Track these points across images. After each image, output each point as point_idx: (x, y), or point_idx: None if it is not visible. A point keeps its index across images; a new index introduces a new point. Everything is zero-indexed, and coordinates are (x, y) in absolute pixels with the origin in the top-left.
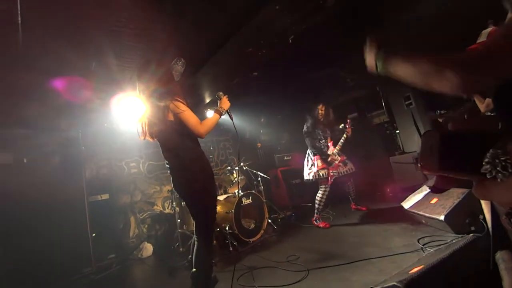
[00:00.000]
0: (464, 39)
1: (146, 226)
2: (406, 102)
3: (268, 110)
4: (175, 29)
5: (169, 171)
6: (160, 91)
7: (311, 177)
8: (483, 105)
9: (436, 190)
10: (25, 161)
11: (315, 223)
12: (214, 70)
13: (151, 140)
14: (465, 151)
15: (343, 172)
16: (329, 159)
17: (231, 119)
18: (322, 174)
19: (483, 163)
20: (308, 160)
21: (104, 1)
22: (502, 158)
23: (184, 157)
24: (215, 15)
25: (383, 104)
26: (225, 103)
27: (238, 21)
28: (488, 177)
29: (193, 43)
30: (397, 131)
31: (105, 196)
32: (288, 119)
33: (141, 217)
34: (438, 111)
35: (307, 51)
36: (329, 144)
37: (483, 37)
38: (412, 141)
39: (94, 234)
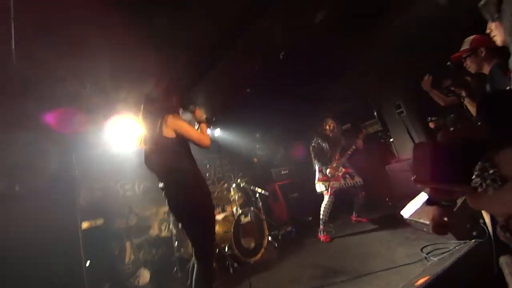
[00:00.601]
0: (450, 48)
1: (143, 251)
2: (398, 111)
3: (263, 124)
4: (169, 49)
5: (164, 192)
6: (157, 106)
7: (318, 189)
8: (475, 108)
9: (430, 202)
10: (17, 188)
11: (319, 234)
12: (208, 88)
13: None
14: (456, 162)
15: (349, 184)
16: (328, 171)
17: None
18: (322, 186)
19: (473, 176)
20: (318, 173)
21: (99, 24)
22: (490, 171)
23: (179, 175)
24: (207, 34)
25: (375, 113)
26: (201, 113)
27: (230, 39)
28: (479, 190)
29: (186, 62)
30: (391, 140)
31: (100, 221)
32: (283, 132)
33: (137, 242)
34: (429, 118)
35: (298, 66)
36: (336, 157)
37: (465, 45)
38: (406, 148)
39: (88, 263)
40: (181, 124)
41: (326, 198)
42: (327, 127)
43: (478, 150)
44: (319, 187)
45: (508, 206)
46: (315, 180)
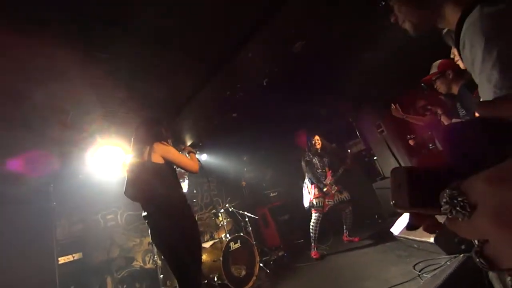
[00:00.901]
0: (419, 72)
1: (125, 286)
2: (378, 130)
3: (250, 147)
4: (153, 77)
5: (147, 221)
6: (146, 133)
7: (307, 204)
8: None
9: (410, 227)
10: None
11: (311, 252)
12: (193, 115)
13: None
14: (431, 186)
15: (338, 199)
16: (325, 189)
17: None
18: (317, 203)
19: (442, 203)
20: (305, 189)
21: (82, 58)
22: (459, 199)
23: (165, 201)
24: (192, 64)
25: (358, 133)
26: (190, 148)
27: (214, 68)
28: (450, 217)
29: (171, 90)
30: (375, 158)
31: (78, 255)
32: (270, 154)
33: (118, 276)
34: (409, 136)
35: (282, 90)
36: (327, 174)
37: (434, 69)
38: (390, 165)
39: None
40: (169, 149)
41: (314, 215)
42: (316, 144)
43: (448, 177)
44: (314, 203)
45: (479, 233)
46: (303, 195)
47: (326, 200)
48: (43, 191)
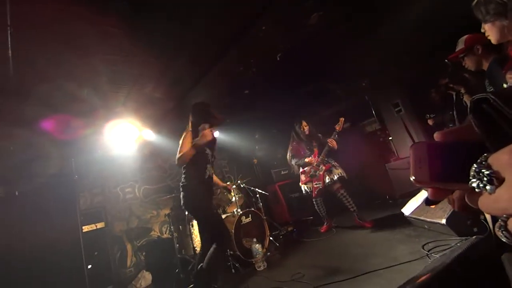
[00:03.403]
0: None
1: (144, 253)
2: (396, 109)
3: (262, 125)
4: (166, 54)
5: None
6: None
7: (303, 191)
8: None
9: (429, 202)
10: (16, 193)
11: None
12: (206, 91)
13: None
14: (454, 161)
15: (329, 180)
16: (310, 169)
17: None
18: (306, 188)
19: (470, 178)
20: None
21: (98, 31)
22: (486, 172)
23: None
24: (205, 38)
25: (374, 112)
26: (205, 136)
27: (227, 42)
28: (477, 191)
29: (184, 66)
30: (390, 138)
31: (101, 225)
32: (282, 133)
33: (138, 244)
34: (428, 115)
35: (295, 67)
36: (315, 155)
37: (460, 45)
38: (405, 146)
39: (89, 266)
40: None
41: (314, 200)
42: (302, 128)
43: (476, 151)
44: (304, 189)
45: (505, 206)
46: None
47: (314, 183)
48: (65, 166)
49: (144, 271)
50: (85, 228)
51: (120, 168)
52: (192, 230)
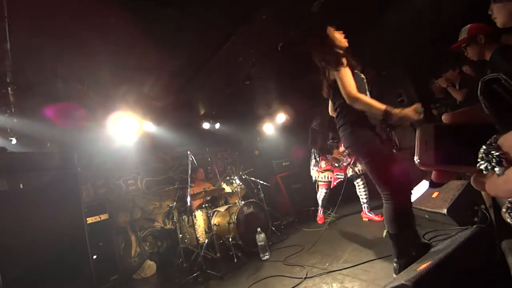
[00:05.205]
0: (450, 37)
1: (148, 243)
2: (398, 99)
3: (263, 117)
4: (166, 45)
5: None
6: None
7: (313, 176)
8: (459, 95)
9: (434, 184)
10: (21, 186)
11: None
12: (207, 82)
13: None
14: (461, 143)
15: (353, 173)
16: (332, 158)
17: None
18: (323, 177)
19: (478, 159)
20: (312, 159)
21: (99, 23)
22: (495, 154)
23: None
24: (205, 27)
25: None
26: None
27: (227, 32)
28: (485, 173)
29: (184, 56)
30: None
31: (105, 216)
32: (284, 124)
33: (142, 235)
34: (432, 105)
35: (297, 57)
36: (339, 144)
37: (463, 34)
38: (407, 137)
39: (95, 256)
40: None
41: (320, 190)
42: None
43: (483, 133)
44: (320, 176)
45: None
46: (312, 165)
47: (335, 173)
48: (68, 159)
49: (148, 260)
50: (89, 220)
51: (122, 160)
52: (195, 221)
